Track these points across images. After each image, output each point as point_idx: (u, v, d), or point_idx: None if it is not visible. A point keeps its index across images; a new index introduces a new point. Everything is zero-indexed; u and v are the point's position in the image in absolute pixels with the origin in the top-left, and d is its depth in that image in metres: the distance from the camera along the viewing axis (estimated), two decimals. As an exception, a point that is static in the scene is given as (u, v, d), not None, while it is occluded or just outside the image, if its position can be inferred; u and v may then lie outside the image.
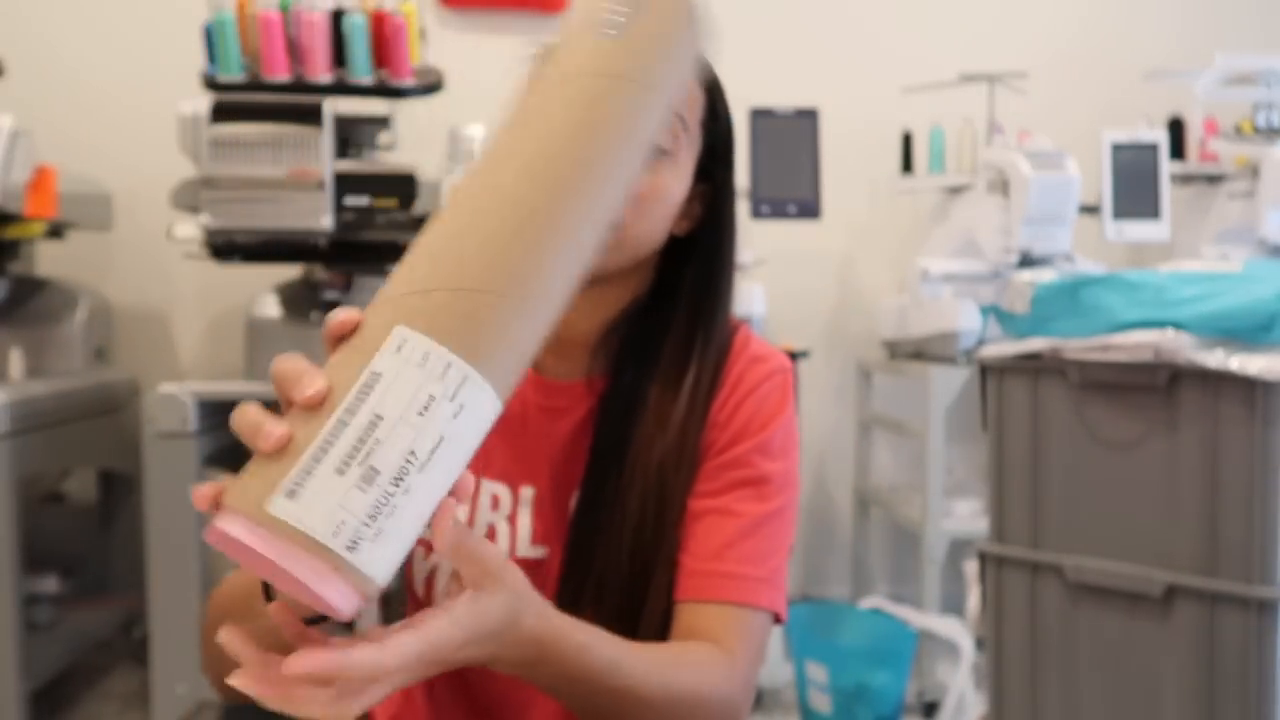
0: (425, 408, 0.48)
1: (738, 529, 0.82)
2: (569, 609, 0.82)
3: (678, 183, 0.83)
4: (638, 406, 0.85)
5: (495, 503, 0.88)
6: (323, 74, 2.19)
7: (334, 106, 2.16)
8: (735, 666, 0.77)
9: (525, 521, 0.87)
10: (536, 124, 0.56)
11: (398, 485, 0.48)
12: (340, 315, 0.52)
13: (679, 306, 0.87)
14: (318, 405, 0.48)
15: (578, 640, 0.67)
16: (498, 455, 0.87)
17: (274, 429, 0.48)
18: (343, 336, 0.52)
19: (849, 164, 2.98)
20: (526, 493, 0.87)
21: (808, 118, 2.56)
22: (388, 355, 0.49)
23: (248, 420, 0.49)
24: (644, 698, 0.70)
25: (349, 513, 0.46)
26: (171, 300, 2.87)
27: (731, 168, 0.88)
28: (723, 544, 0.81)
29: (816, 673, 2.15)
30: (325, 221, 2.12)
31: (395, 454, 0.47)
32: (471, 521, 0.87)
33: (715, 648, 0.77)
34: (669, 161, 0.82)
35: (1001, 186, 2.43)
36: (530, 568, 0.86)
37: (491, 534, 0.87)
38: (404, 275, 0.53)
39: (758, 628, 0.80)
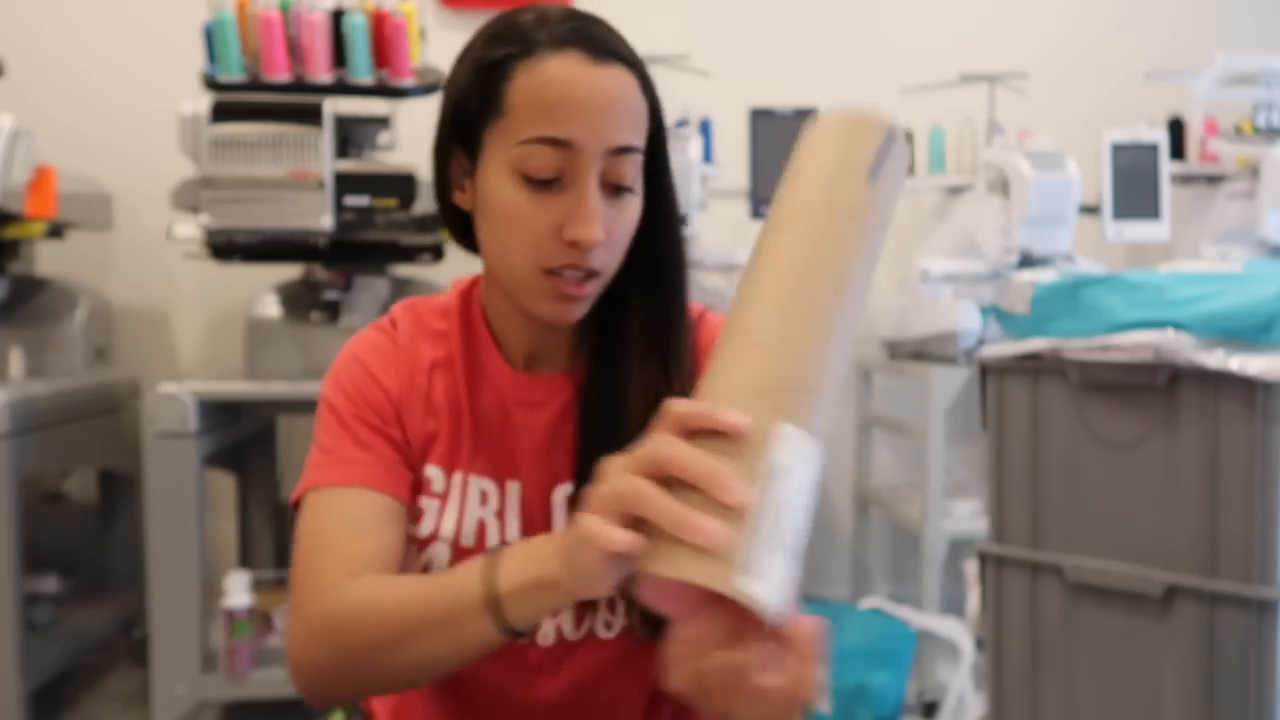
0: (808, 486, 0.63)
1: None
2: (586, 600, 0.83)
3: (638, 206, 0.85)
4: (623, 389, 0.87)
5: (484, 498, 0.89)
6: (323, 74, 2.19)
7: (334, 106, 2.16)
8: None
9: (514, 517, 0.89)
10: (834, 250, 0.69)
11: (797, 550, 0.62)
12: (699, 412, 0.62)
13: (642, 289, 0.89)
14: (736, 502, 0.59)
15: None
16: (482, 451, 0.89)
17: (710, 527, 0.58)
18: (696, 429, 0.62)
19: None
20: (512, 487, 0.89)
21: (808, 118, 2.56)
22: (778, 450, 0.61)
23: (658, 504, 0.60)
24: None
25: (781, 580, 0.60)
26: (171, 300, 2.87)
27: (662, 146, 0.87)
28: None
29: (816, 673, 2.15)
30: (325, 221, 2.12)
31: (797, 528, 0.62)
32: (463, 518, 0.88)
33: None
34: (632, 196, 0.84)
35: (1001, 186, 2.43)
36: None
37: (483, 531, 0.88)
38: (744, 374, 0.65)
39: None
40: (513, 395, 0.90)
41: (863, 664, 2.13)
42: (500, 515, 0.89)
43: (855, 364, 3.01)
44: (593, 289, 0.84)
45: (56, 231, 2.42)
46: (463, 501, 0.89)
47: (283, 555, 2.66)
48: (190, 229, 2.18)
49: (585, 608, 0.89)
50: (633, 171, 0.83)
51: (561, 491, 0.89)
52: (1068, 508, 1.52)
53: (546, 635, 0.89)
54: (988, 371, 1.60)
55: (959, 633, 2.21)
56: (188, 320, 2.88)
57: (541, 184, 0.80)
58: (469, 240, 0.91)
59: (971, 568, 1.82)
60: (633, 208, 0.84)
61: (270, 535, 2.64)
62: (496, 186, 0.82)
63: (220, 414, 2.20)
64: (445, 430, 0.89)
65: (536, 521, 0.89)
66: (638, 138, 0.83)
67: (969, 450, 2.77)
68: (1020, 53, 3.00)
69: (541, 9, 0.84)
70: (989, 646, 1.62)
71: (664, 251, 0.89)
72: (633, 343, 0.88)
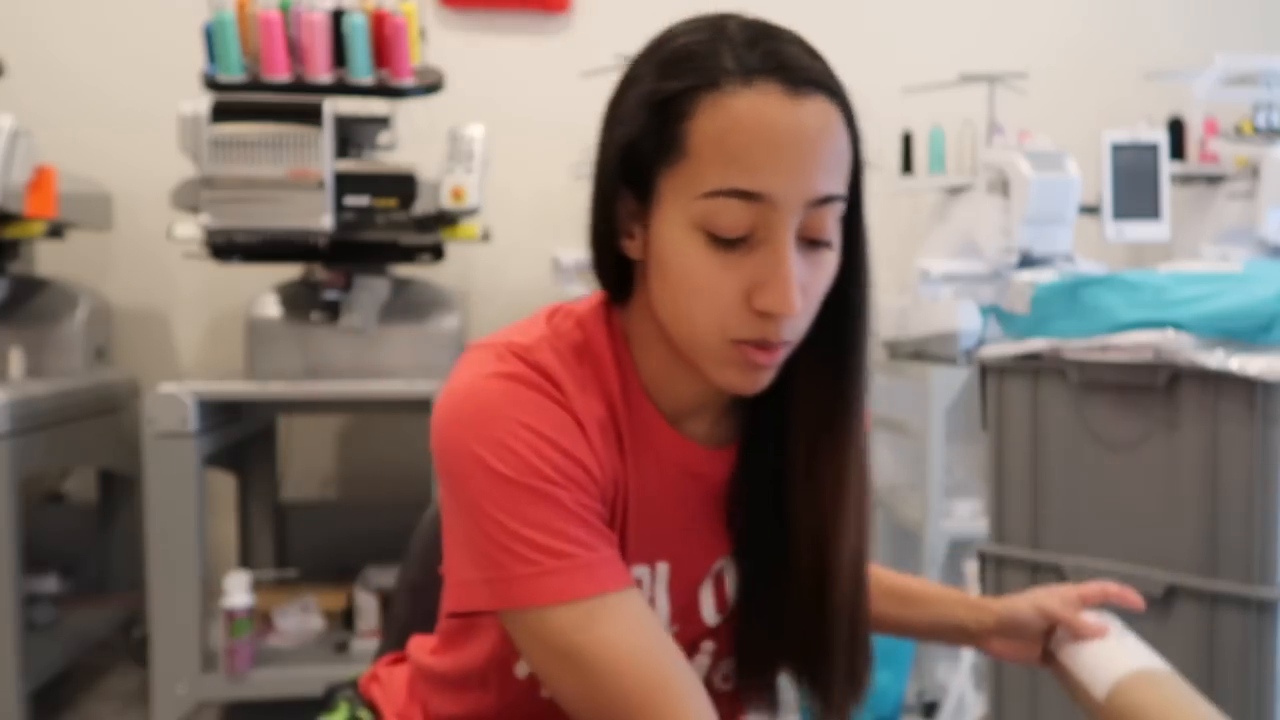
0: None
1: None
2: (754, 675, 0.85)
3: (836, 262, 0.75)
4: (797, 465, 0.80)
5: (638, 586, 0.79)
6: (323, 74, 2.19)
7: (334, 106, 2.16)
8: None
9: (662, 600, 0.81)
10: None
11: None
12: None
13: (821, 357, 0.78)
14: None
15: None
16: (641, 532, 0.79)
17: None
18: None
19: (849, 164, 2.97)
20: (662, 569, 0.81)
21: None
22: None
23: None
24: None
25: None
26: (171, 300, 2.87)
27: (862, 195, 0.76)
28: None
29: (816, 673, 2.15)
30: (325, 221, 2.12)
31: None
32: None
33: None
34: (831, 251, 0.73)
35: (1001, 187, 2.42)
36: None
37: None
38: None
39: None
40: (686, 466, 0.80)
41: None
42: (651, 601, 0.80)
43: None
44: (784, 355, 0.74)
45: (56, 231, 2.42)
46: None
47: (283, 555, 2.66)
48: (190, 229, 2.18)
49: (714, 666, 0.87)
50: (833, 223, 0.72)
51: (715, 568, 0.84)
52: (1068, 508, 1.52)
53: None
54: (988, 371, 1.60)
55: (959, 633, 2.20)
56: (188, 320, 2.88)
57: (729, 243, 0.69)
58: (624, 288, 0.79)
59: (971, 568, 1.82)
60: (830, 264, 0.73)
61: (270, 535, 2.64)
62: (675, 243, 0.71)
63: (220, 414, 2.20)
64: (619, 513, 0.78)
65: (684, 602, 0.82)
66: (840, 184, 0.71)
67: (969, 450, 2.77)
68: (1020, 53, 3.00)
69: (718, 23, 0.72)
70: (989, 646, 1.62)
71: (851, 315, 0.78)
72: (799, 421, 0.79)
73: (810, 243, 0.71)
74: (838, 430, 0.79)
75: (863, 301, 0.78)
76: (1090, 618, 0.93)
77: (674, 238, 0.71)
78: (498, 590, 0.70)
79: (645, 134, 0.71)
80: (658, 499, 0.79)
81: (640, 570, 0.79)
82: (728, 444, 0.82)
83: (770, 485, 0.81)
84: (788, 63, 0.70)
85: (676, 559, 0.81)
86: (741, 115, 0.68)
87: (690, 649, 0.84)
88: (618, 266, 0.78)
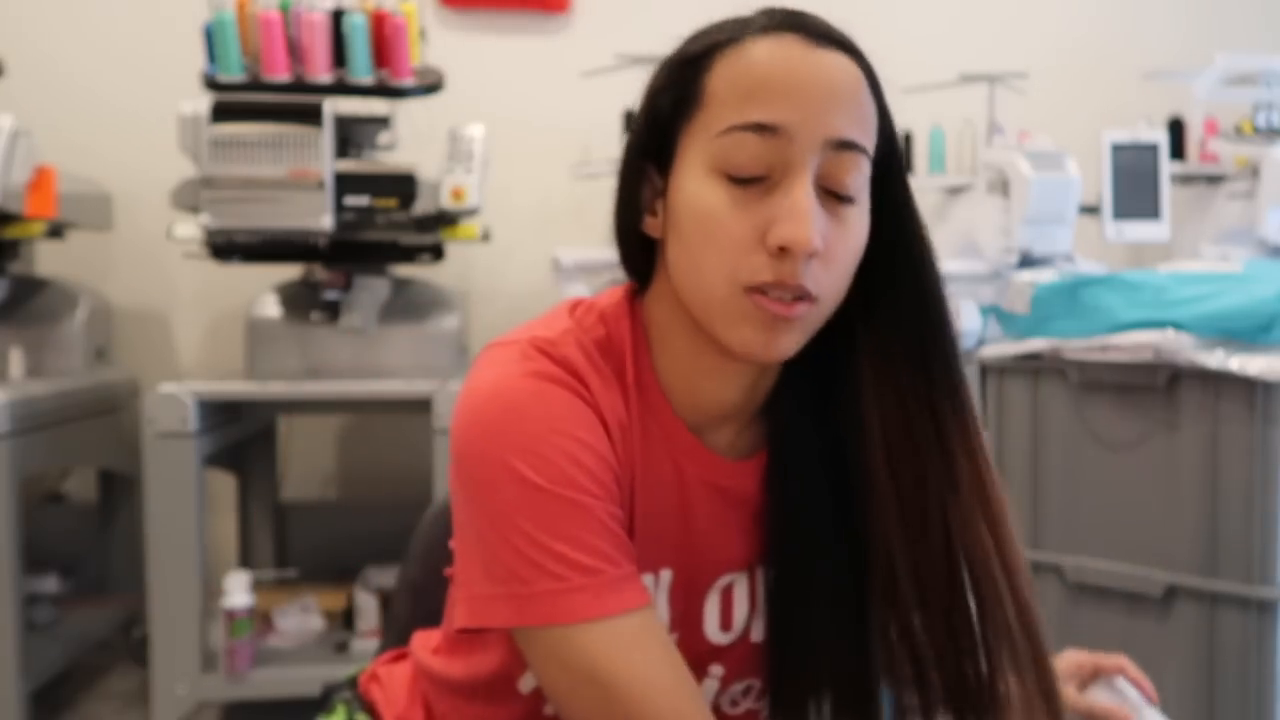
0: None
1: None
2: (788, 704, 0.78)
3: (865, 227, 0.71)
4: (880, 494, 0.75)
5: None
6: (323, 74, 2.19)
7: (334, 106, 2.16)
8: None
9: (662, 606, 0.77)
10: None
11: None
12: None
13: (862, 360, 0.74)
14: None
15: None
16: (653, 544, 0.76)
17: None
18: None
19: (849, 164, 2.97)
20: (665, 576, 0.77)
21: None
22: None
23: None
24: None
25: None
26: (171, 300, 2.87)
27: (904, 178, 0.74)
28: None
29: (816, 673, 2.15)
30: (325, 221, 2.12)
31: None
32: None
33: None
34: (857, 207, 0.70)
35: (1001, 187, 2.42)
36: None
37: None
38: None
39: None
40: (707, 479, 0.76)
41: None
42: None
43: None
44: (806, 316, 0.68)
45: (56, 232, 2.42)
46: None
47: (283, 555, 2.66)
48: (190, 229, 2.18)
49: (723, 690, 0.82)
50: (858, 179, 0.68)
51: (721, 582, 0.79)
52: (1068, 508, 1.52)
53: None
54: (988, 371, 1.60)
55: (959, 633, 2.21)
56: (188, 320, 2.88)
57: (745, 182, 0.67)
58: (647, 275, 0.77)
59: (971, 568, 1.82)
60: (857, 225, 0.69)
61: (270, 535, 2.64)
62: (691, 191, 0.68)
63: (220, 414, 2.20)
64: (628, 517, 0.74)
65: (686, 613, 0.78)
66: (863, 136, 0.68)
67: (969, 450, 2.77)
68: (1020, 53, 3.00)
69: (741, 13, 0.72)
70: (989, 646, 1.62)
71: (913, 300, 0.74)
72: (890, 422, 0.73)
73: (832, 195, 0.68)
74: (920, 432, 0.74)
75: (927, 281, 0.74)
76: (1109, 697, 0.88)
77: (691, 187, 0.69)
78: (520, 607, 0.66)
79: (666, 94, 0.71)
80: (668, 505, 0.76)
81: (645, 577, 0.76)
82: (752, 454, 0.78)
83: (810, 498, 0.76)
84: (809, 21, 0.69)
85: (681, 567, 0.77)
86: (759, 56, 0.67)
87: (697, 670, 0.79)
88: (640, 249, 0.76)
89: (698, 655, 0.80)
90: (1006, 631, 0.74)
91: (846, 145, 0.67)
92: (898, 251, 0.73)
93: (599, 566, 0.67)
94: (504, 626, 0.68)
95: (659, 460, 0.75)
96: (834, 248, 0.68)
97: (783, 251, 0.65)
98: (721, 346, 0.70)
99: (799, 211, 0.65)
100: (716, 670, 0.82)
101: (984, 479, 0.75)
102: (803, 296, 0.67)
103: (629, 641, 0.66)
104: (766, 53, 0.67)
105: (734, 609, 0.81)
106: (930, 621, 0.75)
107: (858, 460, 0.75)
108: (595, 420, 0.70)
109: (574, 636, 0.66)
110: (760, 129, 0.66)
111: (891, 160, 0.73)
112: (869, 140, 0.69)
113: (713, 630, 0.80)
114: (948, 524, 0.74)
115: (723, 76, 0.68)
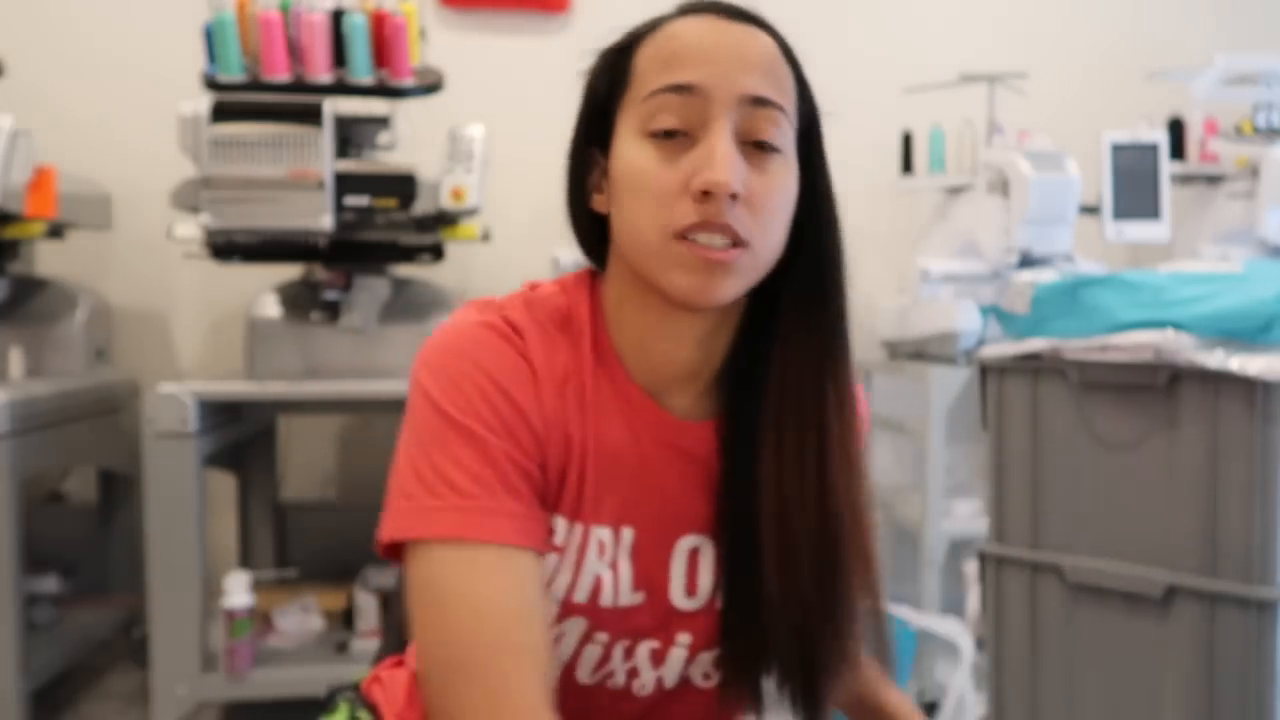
0: None
1: None
2: (737, 669, 0.81)
3: (792, 180, 0.75)
4: (770, 438, 0.78)
5: (601, 550, 0.79)
6: (323, 74, 2.19)
7: (334, 106, 2.16)
8: None
9: (625, 567, 0.80)
10: None
11: None
12: None
13: (790, 325, 0.79)
14: None
15: None
16: (606, 496, 0.79)
17: None
18: None
19: (849, 164, 2.97)
20: (626, 534, 0.80)
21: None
22: None
23: None
24: None
25: None
26: (171, 300, 2.87)
27: (823, 151, 0.79)
28: None
29: (816, 673, 2.15)
30: (325, 221, 2.12)
31: None
32: (579, 573, 0.79)
33: None
34: (780, 158, 0.74)
35: (1001, 187, 2.42)
36: (627, 616, 0.81)
37: (598, 585, 0.79)
38: None
39: None
40: (660, 438, 0.80)
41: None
42: (614, 566, 0.79)
43: (855, 364, 3.01)
44: (739, 260, 0.72)
45: (56, 231, 2.42)
46: (581, 555, 0.79)
47: (283, 555, 2.66)
48: (190, 229, 2.18)
49: (692, 660, 0.83)
50: (778, 133, 0.73)
51: (686, 544, 0.81)
52: (1068, 508, 1.52)
53: (645, 686, 0.84)
54: (988, 371, 1.60)
55: (959, 633, 2.21)
56: (188, 320, 2.88)
57: (669, 138, 0.72)
58: (602, 252, 0.82)
59: (971, 568, 1.82)
60: (782, 174, 0.74)
61: (270, 535, 2.64)
62: (625, 156, 0.74)
63: (220, 414, 2.20)
64: (574, 472, 0.78)
65: (650, 574, 0.80)
66: (780, 96, 0.74)
67: (969, 450, 2.77)
68: (1020, 53, 3.00)
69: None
70: (989, 646, 1.62)
71: (818, 253, 0.78)
72: (787, 379, 0.78)
73: (755, 145, 0.73)
74: (808, 400, 0.78)
75: (829, 265, 0.79)
76: None
77: (624, 153, 0.75)
78: (400, 521, 0.72)
79: (600, 80, 0.78)
80: (624, 464, 0.79)
81: (604, 533, 0.79)
82: (711, 418, 0.82)
83: (751, 462, 0.79)
84: (725, 5, 0.76)
85: (644, 527, 0.80)
86: (676, 31, 0.75)
87: (664, 637, 0.82)
88: (593, 230, 0.82)
89: (664, 620, 0.82)
90: (861, 584, 0.81)
91: (762, 101, 0.73)
92: (812, 220, 0.78)
93: (474, 492, 0.71)
94: (389, 539, 0.72)
95: (613, 422, 0.79)
96: (758, 194, 0.72)
97: (705, 195, 0.70)
98: (666, 298, 0.75)
99: (716, 156, 0.70)
100: (684, 639, 0.83)
101: (853, 445, 0.80)
102: (735, 242, 0.72)
103: (482, 572, 0.69)
104: (683, 27, 0.75)
105: (699, 574, 0.82)
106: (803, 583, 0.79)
107: (757, 421, 0.79)
108: (525, 373, 0.75)
109: (432, 553, 0.70)
110: (678, 89, 0.72)
111: (813, 134, 0.79)
112: (787, 102, 0.75)
113: (678, 595, 0.82)
114: (823, 490, 0.78)
115: (646, 54, 0.75)
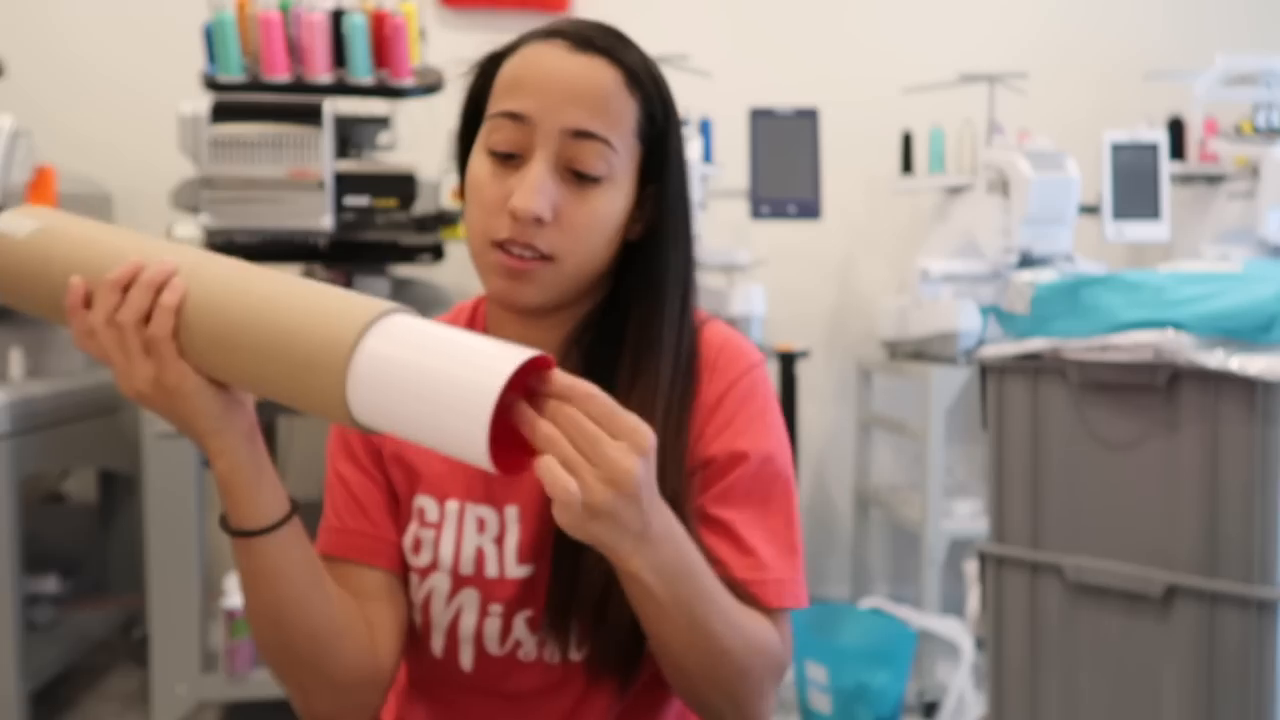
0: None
1: (765, 535, 0.83)
2: (558, 625, 0.83)
3: (613, 204, 0.82)
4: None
5: (481, 525, 0.87)
6: (323, 74, 2.19)
7: (334, 106, 2.16)
8: (785, 645, 0.83)
9: (512, 541, 0.87)
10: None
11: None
12: None
13: (631, 313, 0.86)
14: None
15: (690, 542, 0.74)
16: (479, 480, 0.88)
17: None
18: None
19: (849, 164, 2.97)
20: (511, 511, 0.87)
21: (808, 118, 2.56)
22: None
23: None
24: (725, 626, 0.75)
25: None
26: (171, 300, 2.87)
27: (675, 165, 0.86)
28: (752, 550, 0.82)
29: (816, 673, 2.15)
30: (325, 221, 2.12)
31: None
32: (459, 548, 0.87)
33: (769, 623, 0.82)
34: (601, 187, 0.81)
35: (1001, 187, 2.43)
36: (519, 587, 0.86)
37: (481, 558, 0.87)
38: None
39: (791, 621, 0.86)
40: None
41: (863, 664, 2.13)
42: (499, 541, 0.87)
43: (855, 364, 3.01)
44: (541, 271, 0.81)
45: (56, 231, 2.41)
46: (459, 529, 0.87)
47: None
48: (190, 229, 2.18)
49: (575, 626, 0.86)
50: (600, 163, 0.80)
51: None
52: (1068, 508, 1.52)
53: (554, 654, 0.87)
54: (988, 371, 1.60)
55: (959, 633, 2.21)
56: (188, 320, 2.88)
57: (503, 159, 0.81)
58: None
59: (971, 568, 1.82)
60: (600, 201, 0.81)
61: (270, 535, 2.64)
62: (471, 165, 0.84)
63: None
64: (436, 457, 0.88)
65: (535, 543, 0.86)
66: (606, 129, 0.80)
67: (969, 450, 2.77)
68: (1020, 53, 3.00)
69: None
70: (989, 646, 1.62)
71: (656, 259, 0.86)
72: (620, 371, 0.84)
73: (575, 175, 0.80)
74: (656, 365, 0.84)
75: (668, 245, 0.86)
76: None
77: (472, 162, 0.84)
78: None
79: (475, 86, 0.87)
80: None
81: (484, 510, 0.87)
82: None
83: None
84: (579, 30, 0.82)
85: (524, 501, 0.87)
86: (523, 58, 0.82)
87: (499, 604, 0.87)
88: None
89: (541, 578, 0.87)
90: None
91: (584, 134, 0.80)
92: (660, 225, 0.86)
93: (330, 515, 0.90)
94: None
95: None
96: (570, 217, 0.80)
97: (515, 215, 0.79)
98: (488, 293, 0.85)
99: (527, 184, 0.79)
100: (496, 609, 0.88)
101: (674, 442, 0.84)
102: (540, 257, 0.80)
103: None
104: (530, 55, 0.82)
105: None
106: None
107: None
108: None
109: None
110: (511, 116, 0.80)
111: (665, 146, 0.85)
112: (617, 132, 0.81)
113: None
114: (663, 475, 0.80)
115: (503, 73, 0.83)
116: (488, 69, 0.86)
